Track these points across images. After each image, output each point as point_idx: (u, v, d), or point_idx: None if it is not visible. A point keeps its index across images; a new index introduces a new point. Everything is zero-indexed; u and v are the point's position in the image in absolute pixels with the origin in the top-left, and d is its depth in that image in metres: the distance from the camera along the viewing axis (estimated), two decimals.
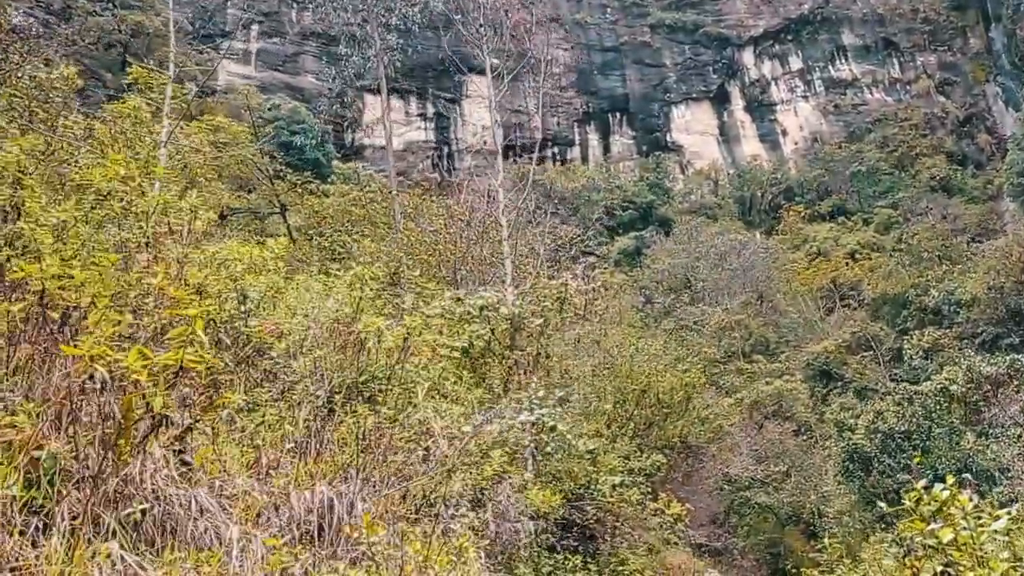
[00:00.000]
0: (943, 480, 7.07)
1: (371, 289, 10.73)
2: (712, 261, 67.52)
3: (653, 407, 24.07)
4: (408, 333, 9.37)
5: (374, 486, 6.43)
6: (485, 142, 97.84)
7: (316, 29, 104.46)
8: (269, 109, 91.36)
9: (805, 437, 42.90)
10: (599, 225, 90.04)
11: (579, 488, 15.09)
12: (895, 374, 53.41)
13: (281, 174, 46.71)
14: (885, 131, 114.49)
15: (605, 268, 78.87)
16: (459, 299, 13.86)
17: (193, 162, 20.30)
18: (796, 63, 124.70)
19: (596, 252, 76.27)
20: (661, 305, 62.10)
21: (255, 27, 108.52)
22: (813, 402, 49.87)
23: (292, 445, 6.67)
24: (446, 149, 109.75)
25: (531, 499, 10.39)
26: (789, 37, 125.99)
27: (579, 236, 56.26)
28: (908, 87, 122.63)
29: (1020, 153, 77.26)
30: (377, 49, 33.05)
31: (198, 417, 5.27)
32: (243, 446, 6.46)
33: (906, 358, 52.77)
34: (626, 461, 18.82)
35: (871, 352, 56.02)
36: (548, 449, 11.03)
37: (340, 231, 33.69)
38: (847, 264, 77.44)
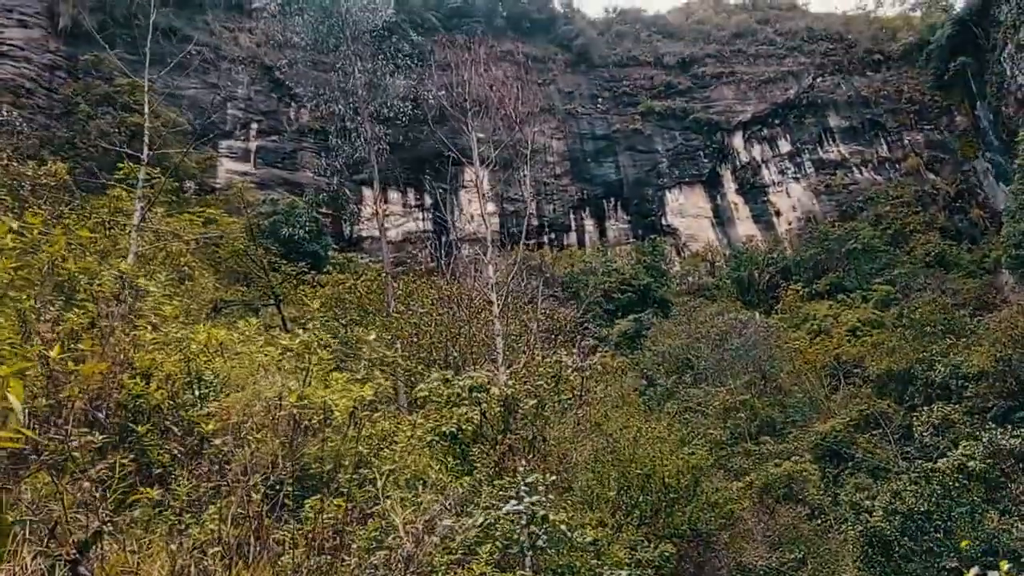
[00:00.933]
0: (970, 562, 6.19)
1: (322, 358, 9.97)
2: (713, 341, 66.72)
3: (659, 492, 22.89)
4: (356, 405, 8.54)
5: None
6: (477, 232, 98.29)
7: (314, 126, 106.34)
8: (266, 203, 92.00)
9: (819, 521, 41.33)
10: (598, 308, 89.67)
11: None
12: (906, 452, 52.03)
13: (276, 265, 46.50)
14: (878, 209, 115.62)
15: (605, 351, 78.08)
16: (447, 380, 13.08)
17: (177, 250, 19.73)
18: (785, 146, 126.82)
19: (595, 335, 75.51)
20: (663, 387, 61.02)
21: (254, 126, 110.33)
22: (824, 483, 48.37)
23: (220, 549, 5.80)
24: (444, 239, 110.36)
25: None
26: (777, 121, 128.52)
27: (577, 318, 55.72)
28: (897, 165, 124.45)
29: (1015, 226, 77.39)
30: (368, 137, 33.05)
31: (107, 519, 4.46)
32: (165, 552, 5.63)
33: (916, 435, 51.45)
34: (632, 552, 17.67)
35: (880, 430, 54.69)
36: (541, 543, 9.99)
37: (332, 319, 33.13)
38: (849, 341, 76.59)
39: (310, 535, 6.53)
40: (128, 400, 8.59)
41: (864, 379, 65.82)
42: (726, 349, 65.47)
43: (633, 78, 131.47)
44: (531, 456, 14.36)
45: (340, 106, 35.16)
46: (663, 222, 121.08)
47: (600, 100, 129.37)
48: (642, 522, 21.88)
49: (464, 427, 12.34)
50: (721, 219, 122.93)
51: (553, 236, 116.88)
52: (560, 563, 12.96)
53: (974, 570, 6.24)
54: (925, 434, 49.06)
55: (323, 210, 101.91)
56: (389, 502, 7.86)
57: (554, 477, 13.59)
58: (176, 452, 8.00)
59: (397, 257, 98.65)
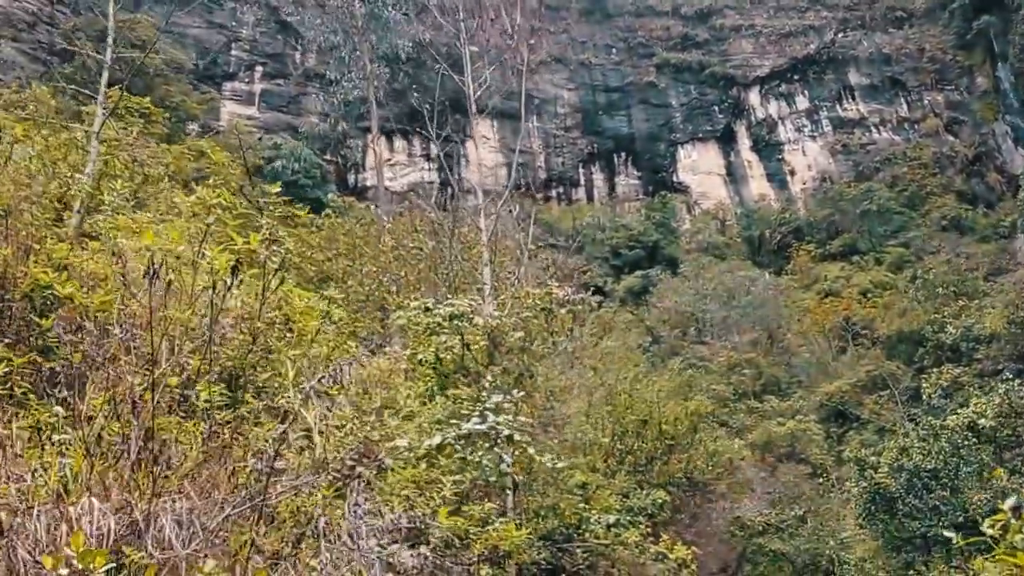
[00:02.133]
0: (975, 522, 5.08)
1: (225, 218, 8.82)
2: (720, 299, 65.45)
3: (656, 440, 21.84)
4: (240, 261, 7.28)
5: (220, 505, 4.46)
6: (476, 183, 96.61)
7: (320, 71, 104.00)
8: (271, 147, 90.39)
9: (821, 480, 40.44)
10: (604, 264, 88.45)
11: (567, 528, 12.96)
12: (913, 414, 50.95)
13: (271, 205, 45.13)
14: (894, 170, 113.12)
15: (611, 307, 76.98)
16: (428, 308, 11.92)
17: (155, 174, 18.45)
18: (803, 103, 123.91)
19: (599, 285, 74.29)
20: (667, 343, 59.93)
21: (259, 68, 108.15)
22: (828, 444, 47.45)
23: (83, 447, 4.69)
24: (450, 190, 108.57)
25: (489, 536, 8.29)
26: (795, 77, 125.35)
27: (584, 268, 54.66)
28: (916, 126, 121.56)
29: None
30: (368, 73, 31.55)
31: None
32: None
33: (924, 397, 50.31)
34: (624, 499, 16.66)
35: (887, 391, 53.60)
36: (505, 467, 8.83)
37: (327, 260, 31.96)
38: (859, 303, 75.20)
39: (208, 432, 5.47)
40: (35, 291, 7.48)
41: (873, 340, 64.61)
42: (733, 307, 64.28)
43: (649, 28, 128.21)
44: (517, 392, 13.23)
45: (339, 38, 33.60)
46: (675, 179, 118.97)
47: (614, 51, 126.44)
48: (636, 469, 20.88)
49: (442, 356, 11.17)
50: (734, 177, 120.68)
51: (561, 190, 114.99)
52: (543, 503, 11.90)
53: (1010, 500, 5.20)
54: (934, 396, 47.91)
55: (327, 157, 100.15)
56: (303, 400, 6.69)
57: (541, 415, 12.49)
58: (86, 352, 6.91)
59: (402, 208, 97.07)
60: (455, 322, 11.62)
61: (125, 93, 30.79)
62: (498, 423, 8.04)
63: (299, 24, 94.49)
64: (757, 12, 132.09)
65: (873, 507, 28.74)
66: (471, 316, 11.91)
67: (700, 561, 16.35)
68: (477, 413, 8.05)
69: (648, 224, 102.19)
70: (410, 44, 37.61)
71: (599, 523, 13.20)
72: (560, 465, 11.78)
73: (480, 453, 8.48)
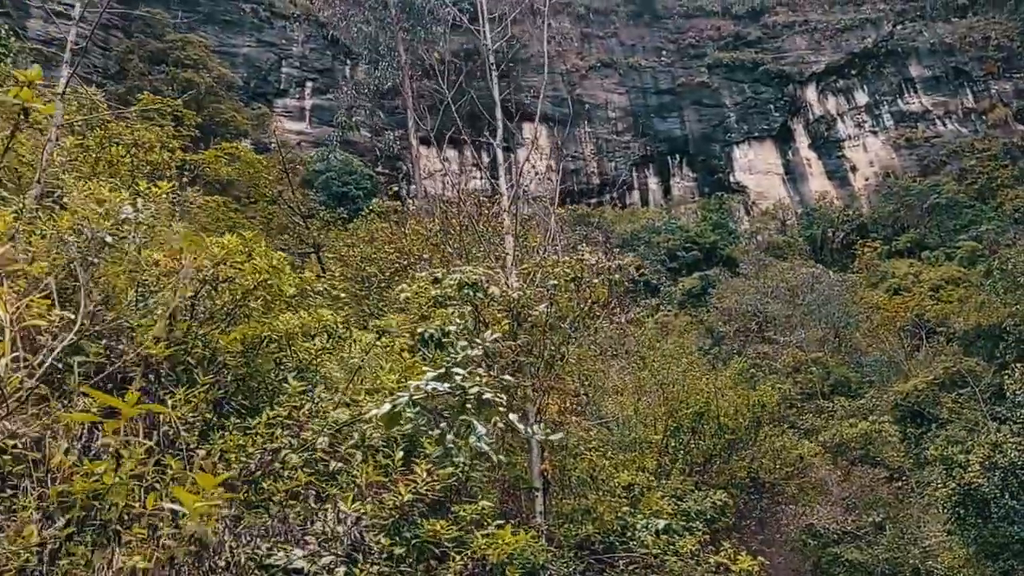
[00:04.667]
0: None
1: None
2: (783, 297, 62.62)
3: (714, 436, 19.72)
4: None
5: None
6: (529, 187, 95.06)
7: (369, 84, 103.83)
8: (321, 160, 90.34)
9: (900, 484, 37.65)
10: (661, 266, 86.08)
11: (607, 536, 11.09)
12: (996, 412, 47.52)
13: (314, 212, 44.34)
14: (962, 163, 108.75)
15: (669, 310, 74.61)
16: (437, 279, 10.26)
17: (158, 157, 17.20)
18: (862, 98, 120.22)
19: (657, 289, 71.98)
20: (729, 345, 57.38)
21: (309, 84, 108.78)
22: (905, 446, 44.42)
23: None
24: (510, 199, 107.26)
25: (476, 545, 6.46)
26: (853, 72, 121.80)
27: (640, 267, 52.58)
28: (983, 117, 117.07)
29: None
30: (402, 62, 30.26)
31: None
32: None
33: (1008, 394, 46.80)
34: (678, 503, 14.68)
35: (967, 389, 50.24)
36: (479, 441, 6.83)
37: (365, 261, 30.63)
38: (931, 298, 71.52)
39: None
40: None
41: (949, 337, 61.01)
42: (797, 304, 61.40)
43: (699, 29, 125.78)
44: (546, 376, 11.48)
45: (371, 26, 32.39)
46: (731, 179, 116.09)
47: (664, 53, 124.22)
48: (693, 469, 18.82)
49: (448, 330, 9.43)
50: (793, 175, 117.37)
51: (615, 194, 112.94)
52: (576, 506, 10.09)
53: None
54: (1019, 392, 44.47)
55: (378, 169, 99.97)
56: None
57: (574, 404, 10.70)
58: None
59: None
60: (465, 291, 9.92)
61: (153, 95, 29.96)
62: (463, 382, 6.20)
63: (342, 33, 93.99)
64: (810, 8, 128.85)
65: (963, 510, 26.07)
66: (485, 286, 10.19)
67: (768, 573, 14.36)
68: (439, 371, 6.27)
69: (705, 225, 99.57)
70: (447, 30, 36.25)
71: (647, 529, 11.25)
72: (597, 459, 9.89)
73: (444, 425, 6.65)
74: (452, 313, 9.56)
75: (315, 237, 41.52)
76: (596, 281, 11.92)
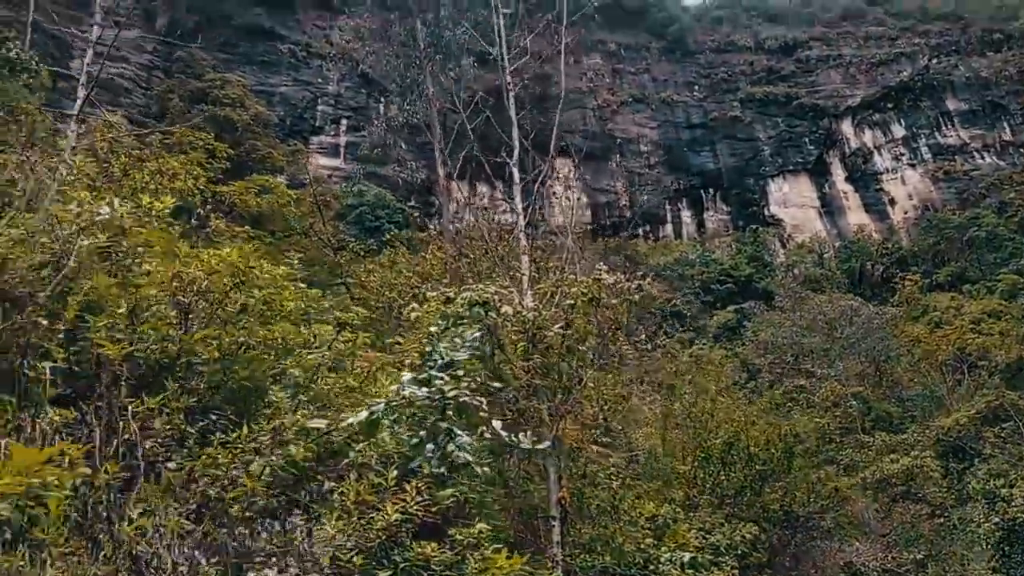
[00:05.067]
0: None
1: None
2: (821, 330, 61.50)
3: (745, 467, 19.06)
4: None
5: None
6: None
7: (400, 119, 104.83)
8: (355, 195, 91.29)
9: (942, 520, 36.38)
10: (696, 300, 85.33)
11: (629, 568, 10.62)
12: None
13: (343, 244, 44.51)
14: (1002, 196, 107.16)
15: (704, 343, 73.67)
16: (449, 299, 10.00)
17: (181, 183, 17.19)
18: (899, 131, 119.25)
19: (692, 326, 71.11)
20: (765, 379, 56.38)
21: (344, 122, 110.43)
22: (948, 481, 43.02)
23: None
24: (533, 231, 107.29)
25: (492, 566, 6.05)
26: (889, 105, 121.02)
27: (674, 301, 52.06)
28: (1021, 150, 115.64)
29: None
30: (431, 94, 30.40)
31: None
32: None
33: None
34: (706, 536, 14.11)
35: (1010, 423, 48.69)
36: (460, 450, 6.31)
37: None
38: (973, 332, 69.78)
39: None
40: None
41: (991, 371, 59.37)
42: (836, 338, 60.23)
43: (732, 64, 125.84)
44: (562, 402, 11.13)
45: (400, 62, 32.66)
46: (766, 212, 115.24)
47: (696, 88, 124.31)
48: (723, 502, 18.20)
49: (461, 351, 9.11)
50: (829, 209, 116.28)
51: (648, 228, 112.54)
52: (594, 535, 9.68)
53: None
54: None
55: (411, 203, 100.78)
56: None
57: (592, 430, 10.33)
58: None
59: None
60: (476, 310, 9.62)
61: (186, 129, 30.37)
62: (443, 386, 5.75)
63: (380, 78, 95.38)
64: (844, 42, 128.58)
65: (1007, 547, 25.01)
66: (498, 305, 9.88)
67: None
68: (417, 376, 5.85)
69: (740, 258, 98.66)
70: (474, 63, 36.31)
71: (671, 563, 10.77)
72: (618, 488, 9.49)
73: (419, 431, 6.21)
74: (460, 332, 9.28)
75: (345, 269, 41.62)
76: (615, 302, 11.59)
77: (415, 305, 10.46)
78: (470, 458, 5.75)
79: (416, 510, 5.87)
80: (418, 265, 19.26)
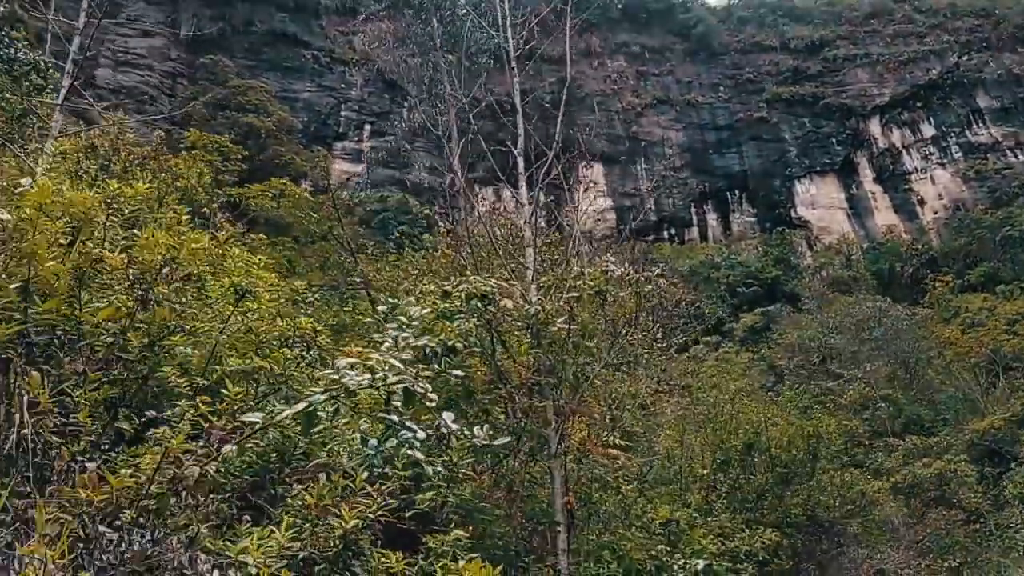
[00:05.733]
0: None
1: None
2: (849, 332, 60.26)
3: (766, 469, 18.26)
4: None
5: None
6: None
7: (421, 123, 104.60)
8: (378, 200, 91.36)
9: (978, 526, 35.29)
10: (722, 303, 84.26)
11: (640, 575, 10.01)
12: None
13: (363, 248, 44.16)
14: None
15: (730, 347, 72.60)
16: (447, 292, 9.44)
17: (185, 182, 16.79)
18: (928, 130, 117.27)
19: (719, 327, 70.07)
20: (792, 381, 55.28)
21: (367, 127, 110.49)
22: (983, 486, 41.82)
23: None
24: (558, 236, 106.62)
25: None
26: (918, 104, 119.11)
27: (697, 302, 51.19)
28: None
29: None
30: (447, 95, 29.76)
31: None
32: None
33: None
34: (723, 542, 13.42)
35: None
36: (412, 449, 5.50)
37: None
38: (1007, 333, 68.14)
39: None
40: None
41: None
42: (864, 340, 58.97)
43: (757, 64, 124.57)
44: (569, 400, 10.54)
45: (415, 57, 32.09)
46: (793, 214, 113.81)
47: (721, 89, 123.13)
48: (744, 506, 17.44)
49: (455, 344, 8.52)
50: (857, 209, 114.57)
51: (673, 231, 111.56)
52: (599, 543, 9.08)
53: None
54: None
55: (436, 208, 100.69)
56: None
57: (600, 431, 9.74)
58: None
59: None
60: (474, 303, 9.02)
61: (198, 131, 30.16)
62: (386, 371, 5.04)
63: (403, 82, 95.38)
64: (872, 40, 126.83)
65: None
66: (498, 298, 9.28)
67: None
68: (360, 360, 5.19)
69: (766, 260, 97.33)
70: (491, 60, 35.50)
71: (684, 570, 10.13)
72: (628, 492, 8.88)
73: (366, 427, 5.54)
74: (457, 326, 8.73)
75: (364, 272, 41.21)
76: (623, 295, 11.00)
77: (410, 299, 9.93)
78: (420, 456, 5.15)
79: (381, 515, 5.32)
80: (426, 263, 18.76)
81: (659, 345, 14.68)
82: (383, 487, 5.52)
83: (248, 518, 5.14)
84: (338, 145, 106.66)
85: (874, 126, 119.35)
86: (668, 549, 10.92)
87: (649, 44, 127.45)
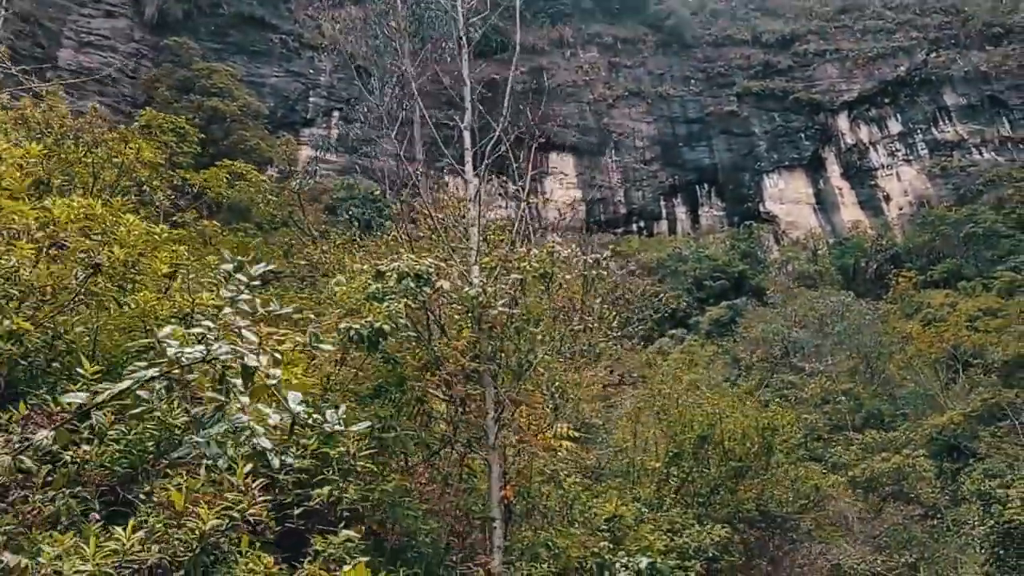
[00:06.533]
0: None
1: None
2: (812, 326, 60.47)
3: (719, 463, 17.85)
4: None
5: None
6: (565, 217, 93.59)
7: (396, 114, 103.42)
8: (345, 188, 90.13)
9: (935, 522, 35.37)
10: (688, 296, 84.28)
11: (582, 574, 9.55)
12: None
13: (326, 234, 43.41)
14: (999, 192, 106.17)
15: (695, 340, 72.66)
16: (380, 272, 8.88)
17: (126, 157, 15.96)
18: (895, 126, 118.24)
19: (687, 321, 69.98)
20: (756, 375, 55.36)
21: (336, 114, 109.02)
22: (941, 481, 42.02)
23: None
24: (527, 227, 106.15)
25: None
26: (886, 100, 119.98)
27: (659, 294, 51.01)
28: (1021, 145, 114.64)
29: None
30: (411, 75, 29.09)
31: None
32: None
33: None
34: (672, 537, 13.00)
35: (1007, 422, 47.75)
36: (259, 440, 4.91)
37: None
38: (968, 329, 68.75)
39: None
40: None
41: (987, 368, 58.39)
42: (827, 334, 59.19)
43: (728, 58, 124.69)
44: (510, 388, 10.04)
45: (378, 40, 31.45)
46: (761, 208, 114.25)
47: (693, 82, 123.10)
48: (696, 501, 17.05)
49: (384, 328, 7.95)
50: (824, 205, 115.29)
51: (642, 224, 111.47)
52: (534, 540, 8.60)
53: None
54: None
55: (403, 197, 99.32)
56: None
57: (541, 420, 9.26)
58: None
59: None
60: (406, 283, 8.47)
61: (153, 111, 29.21)
62: (215, 339, 4.37)
63: (372, 68, 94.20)
64: (842, 36, 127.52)
65: (1002, 550, 23.94)
66: (432, 278, 8.75)
67: None
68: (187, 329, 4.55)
69: (733, 254, 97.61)
70: (455, 48, 34.88)
71: (627, 568, 9.67)
72: (569, 486, 8.40)
73: (199, 410, 4.88)
74: (386, 307, 8.18)
75: (324, 258, 40.37)
76: (569, 277, 10.52)
77: (340, 279, 9.38)
78: (268, 445, 4.54)
79: (252, 513, 4.75)
80: (375, 245, 18.17)
81: (614, 334, 14.21)
82: (258, 482, 4.95)
83: (98, 517, 4.55)
84: (306, 131, 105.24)
85: (842, 121, 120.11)
86: (611, 547, 10.46)
87: (622, 35, 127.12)
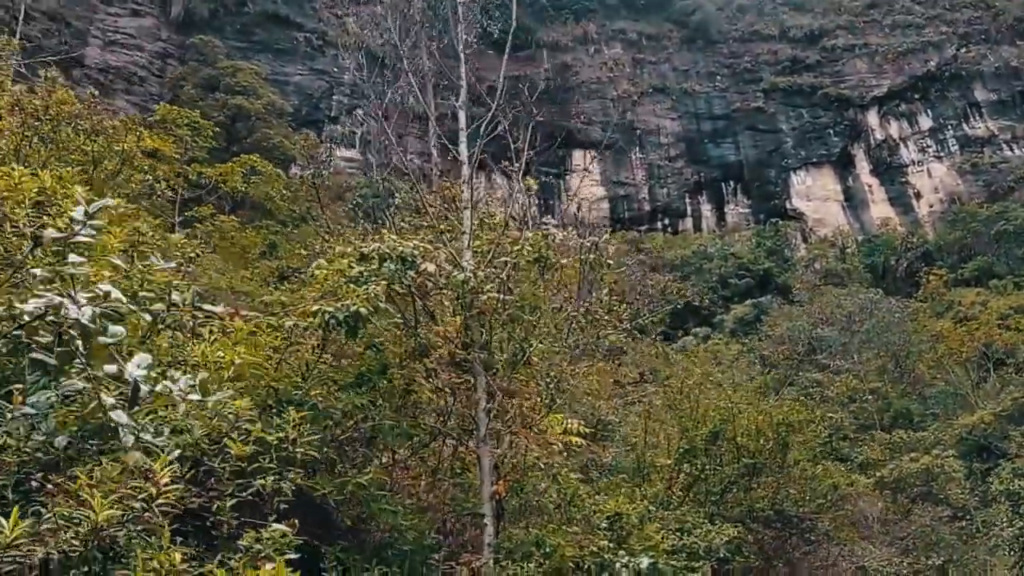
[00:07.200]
0: None
1: None
2: (840, 324, 59.37)
3: (732, 459, 17.19)
4: None
5: None
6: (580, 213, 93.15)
7: (419, 111, 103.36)
8: (368, 186, 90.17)
9: (964, 523, 34.39)
10: (713, 294, 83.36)
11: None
12: None
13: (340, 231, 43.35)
14: None
15: (719, 338, 71.80)
16: (364, 255, 8.46)
17: (126, 147, 15.70)
18: (926, 122, 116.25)
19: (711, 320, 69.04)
20: (781, 374, 54.39)
21: (360, 111, 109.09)
22: (971, 482, 40.95)
23: None
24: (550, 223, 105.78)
25: None
26: (916, 96, 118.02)
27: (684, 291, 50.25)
28: None
29: None
30: (426, 71, 28.71)
31: None
32: None
33: None
34: (680, 536, 12.44)
35: None
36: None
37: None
38: (999, 328, 67.29)
39: None
40: None
41: (1018, 367, 57.10)
42: (854, 332, 58.08)
43: (755, 53, 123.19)
44: (503, 378, 9.57)
45: (392, 32, 30.93)
46: (788, 205, 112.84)
47: (718, 78, 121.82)
48: (708, 499, 16.44)
49: (362, 311, 7.51)
50: (852, 202, 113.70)
51: (667, 221, 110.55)
52: (523, 538, 8.14)
53: None
54: None
55: (423, 191, 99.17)
56: None
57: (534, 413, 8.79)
58: None
59: None
60: (388, 265, 8.02)
61: (170, 106, 29.10)
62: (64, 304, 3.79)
63: (383, 53, 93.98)
64: (871, 31, 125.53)
65: None
66: (416, 260, 8.28)
67: None
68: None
69: (759, 252, 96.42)
70: (476, 41, 34.40)
71: (627, 568, 9.13)
72: (564, 480, 7.92)
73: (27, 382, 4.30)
74: (365, 290, 7.75)
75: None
76: (565, 262, 10.04)
77: (321, 261, 9.00)
78: (124, 420, 4.01)
79: (162, 503, 4.30)
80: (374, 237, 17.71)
81: (623, 327, 13.70)
82: (171, 468, 4.50)
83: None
84: (330, 129, 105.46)
85: (872, 117, 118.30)
86: (612, 546, 9.93)
87: (646, 32, 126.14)
